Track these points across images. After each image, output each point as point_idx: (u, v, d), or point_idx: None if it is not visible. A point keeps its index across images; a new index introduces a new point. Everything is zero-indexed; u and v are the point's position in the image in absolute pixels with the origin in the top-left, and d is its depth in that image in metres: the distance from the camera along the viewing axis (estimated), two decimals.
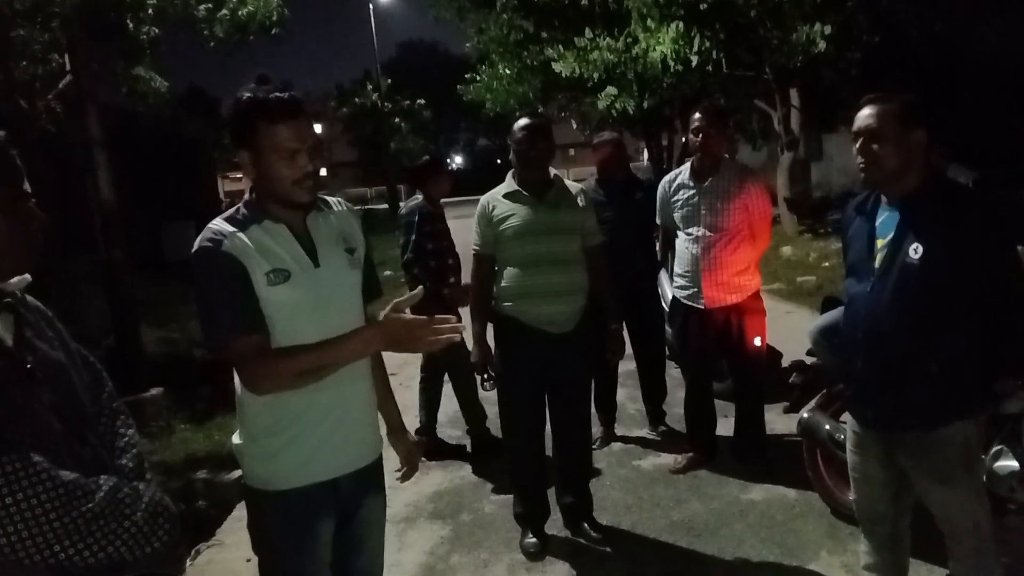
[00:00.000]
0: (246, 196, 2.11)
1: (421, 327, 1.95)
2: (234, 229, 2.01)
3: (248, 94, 1.99)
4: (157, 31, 8.79)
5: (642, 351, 5.20)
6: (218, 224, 2.03)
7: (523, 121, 3.64)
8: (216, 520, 4.39)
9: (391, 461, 2.42)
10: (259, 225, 2.03)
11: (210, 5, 8.33)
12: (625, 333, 5.10)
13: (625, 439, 5.26)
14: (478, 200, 3.86)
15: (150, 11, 8.00)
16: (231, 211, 2.09)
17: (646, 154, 27.54)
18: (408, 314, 1.98)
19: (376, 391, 2.32)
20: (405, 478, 2.49)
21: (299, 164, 1.98)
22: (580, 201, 3.72)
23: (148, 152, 17.69)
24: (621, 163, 5.13)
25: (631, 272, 4.80)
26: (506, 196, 3.69)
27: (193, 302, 2.09)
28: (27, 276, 1.60)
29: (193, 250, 2.01)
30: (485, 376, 3.86)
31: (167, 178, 19.22)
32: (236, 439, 2.17)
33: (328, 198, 2.26)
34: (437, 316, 1.98)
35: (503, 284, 3.68)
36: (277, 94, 1.97)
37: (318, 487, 2.11)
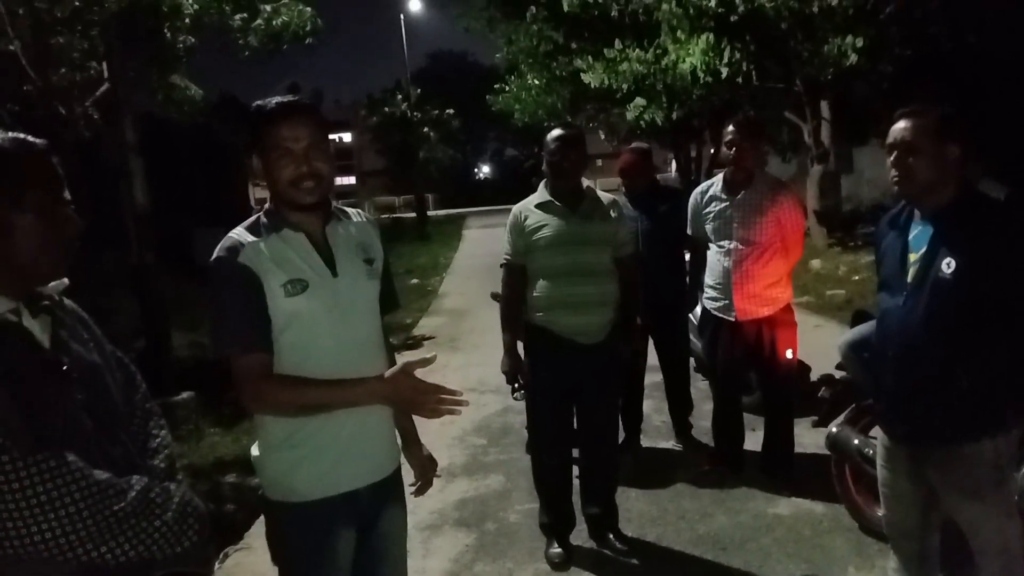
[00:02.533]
0: (267, 204, 2.12)
1: (427, 393, 1.94)
2: (253, 238, 2.02)
3: (258, 102, 2.03)
4: (193, 40, 8.91)
5: (668, 363, 5.18)
6: (238, 233, 2.04)
7: (557, 132, 3.65)
8: (244, 523, 4.42)
9: (407, 475, 2.41)
10: (278, 234, 2.04)
11: (245, 15, 8.45)
12: (651, 344, 5.11)
13: (651, 451, 5.25)
14: (506, 209, 3.87)
15: (186, 20, 8.13)
16: (252, 219, 2.10)
17: (674, 165, 27.48)
18: (417, 376, 1.97)
19: None
20: (419, 492, 2.47)
21: (295, 163, 1.99)
22: (612, 212, 3.72)
23: (181, 158, 17.94)
24: (643, 173, 5.11)
25: (656, 284, 4.78)
26: (538, 206, 3.69)
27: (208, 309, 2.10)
28: (64, 280, 1.64)
29: (211, 259, 2.02)
30: (515, 386, 3.86)
31: (199, 184, 19.49)
32: (255, 450, 2.16)
33: (347, 208, 2.27)
34: (445, 387, 1.96)
35: (534, 295, 3.68)
36: (279, 99, 2.02)
37: (338, 499, 2.09)
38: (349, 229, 2.18)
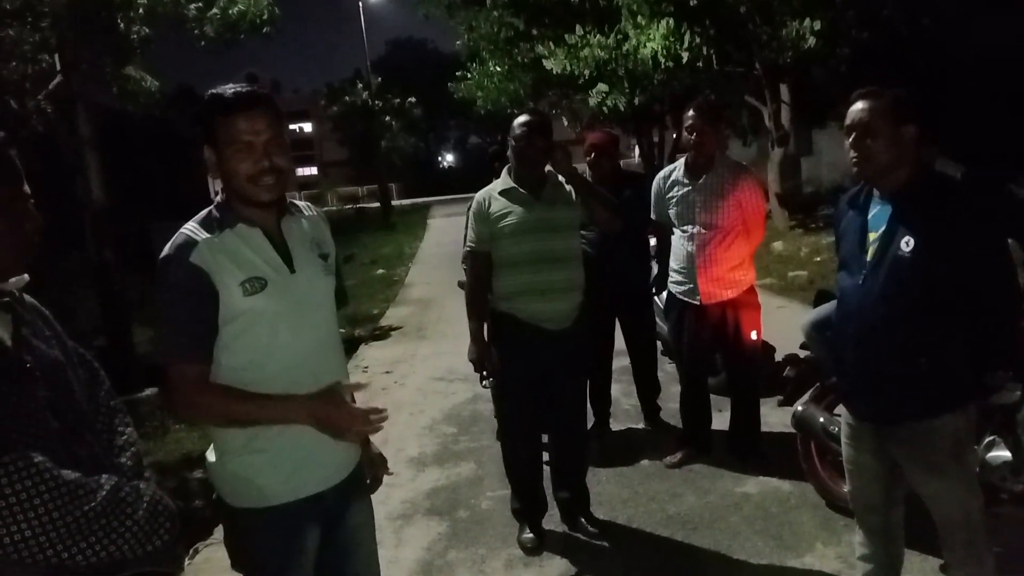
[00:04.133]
0: (218, 197, 2.05)
1: (353, 418, 1.94)
2: (207, 234, 1.95)
3: (211, 91, 1.95)
4: (147, 30, 8.75)
5: (635, 347, 5.23)
6: (191, 229, 1.96)
7: (523, 118, 3.64)
8: (213, 519, 4.38)
9: None
10: (232, 229, 1.97)
11: (200, 4, 8.31)
12: (617, 329, 5.15)
13: (621, 433, 5.29)
14: (471, 198, 3.86)
15: (140, 10, 7.98)
16: (203, 213, 2.02)
17: (637, 151, 27.58)
18: (344, 402, 1.96)
19: None
20: (370, 491, 2.40)
21: (254, 158, 1.92)
22: (575, 196, 3.72)
23: (138, 151, 17.65)
24: (611, 155, 5.10)
25: (622, 269, 4.82)
26: (502, 193, 3.68)
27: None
28: (25, 276, 1.61)
29: (161, 255, 1.95)
30: (483, 374, 3.87)
31: (157, 177, 19.19)
32: (210, 456, 2.10)
33: (298, 203, 2.21)
34: (369, 408, 1.95)
35: (500, 283, 3.68)
36: (235, 88, 1.94)
37: (303, 501, 2.06)
38: (302, 224, 2.13)
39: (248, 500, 2.04)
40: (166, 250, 1.94)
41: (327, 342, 2.11)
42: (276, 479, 2.02)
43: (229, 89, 1.93)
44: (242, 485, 2.03)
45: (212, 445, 2.10)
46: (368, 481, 2.38)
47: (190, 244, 1.92)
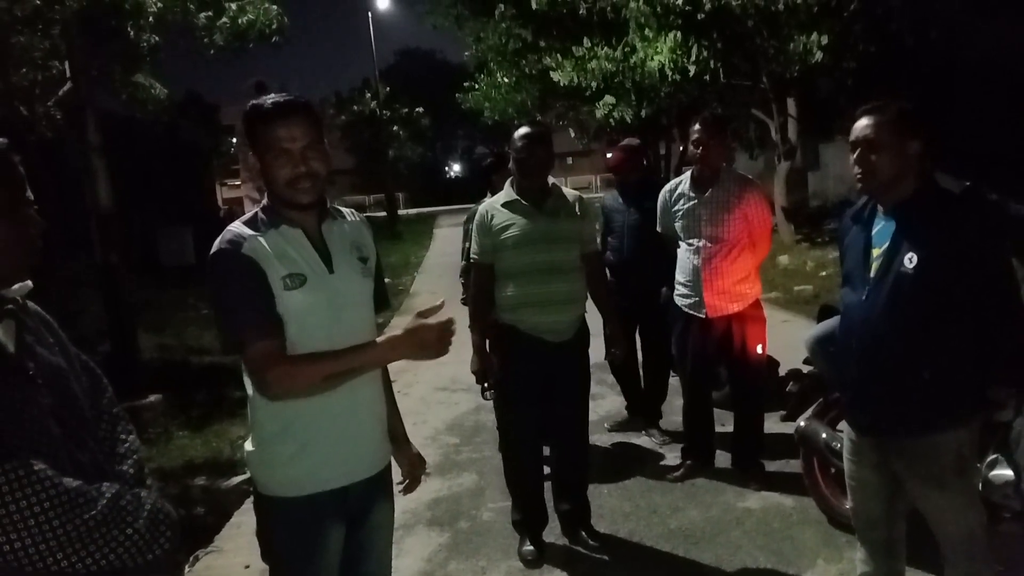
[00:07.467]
0: (264, 201, 2.14)
1: (448, 332, 1.98)
2: (253, 232, 2.04)
3: (254, 101, 2.05)
4: (157, 38, 8.80)
5: (649, 344, 5.26)
6: (237, 228, 2.07)
7: (523, 129, 3.66)
8: (214, 526, 4.39)
9: (394, 473, 2.42)
10: (276, 230, 2.06)
11: (210, 13, 8.35)
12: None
13: (622, 446, 5.28)
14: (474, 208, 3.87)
15: (150, 18, 8.02)
16: (249, 216, 2.12)
17: (644, 163, 27.57)
18: (432, 322, 1.99)
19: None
20: (408, 491, 2.49)
21: (292, 163, 2.01)
22: (578, 209, 3.73)
23: (146, 158, 17.70)
24: (633, 168, 5.33)
25: (640, 275, 4.86)
26: (505, 205, 3.69)
27: (209, 303, 2.10)
28: (28, 283, 1.61)
29: (212, 251, 2.03)
30: (485, 385, 3.87)
31: (165, 184, 19.23)
32: (248, 446, 2.17)
33: (342, 208, 2.30)
34: (452, 319, 2.01)
35: (503, 294, 3.68)
36: (275, 98, 2.04)
37: (328, 494, 2.11)
38: (344, 227, 2.21)
39: (276, 488, 2.11)
40: (216, 247, 2.03)
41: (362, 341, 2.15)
42: (303, 471, 2.09)
43: (270, 99, 2.03)
44: (271, 473, 2.12)
45: (250, 435, 2.18)
46: (407, 481, 2.47)
47: (239, 239, 2.03)
